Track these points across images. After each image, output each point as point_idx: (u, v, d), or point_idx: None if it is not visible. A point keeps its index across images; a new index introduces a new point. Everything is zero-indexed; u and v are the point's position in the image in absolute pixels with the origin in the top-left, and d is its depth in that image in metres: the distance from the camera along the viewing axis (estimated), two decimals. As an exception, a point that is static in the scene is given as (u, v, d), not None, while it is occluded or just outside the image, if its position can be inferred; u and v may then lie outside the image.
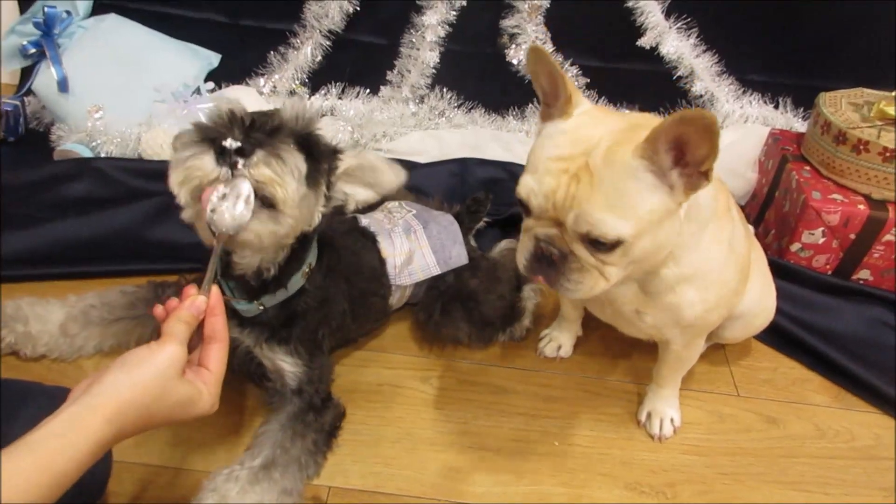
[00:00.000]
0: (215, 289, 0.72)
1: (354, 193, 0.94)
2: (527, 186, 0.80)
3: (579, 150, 0.76)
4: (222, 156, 0.76)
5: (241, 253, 0.89)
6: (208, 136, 0.78)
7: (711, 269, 0.92)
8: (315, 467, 0.95)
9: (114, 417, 0.60)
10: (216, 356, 0.70)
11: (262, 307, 0.95)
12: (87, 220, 1.41)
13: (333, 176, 0.90)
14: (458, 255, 1.22)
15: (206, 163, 0.77)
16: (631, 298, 0.95)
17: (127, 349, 0.93)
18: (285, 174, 0.78)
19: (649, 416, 1.16)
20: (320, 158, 0.86)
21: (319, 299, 1.00)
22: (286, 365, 0.98)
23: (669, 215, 0.79)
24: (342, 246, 1.09)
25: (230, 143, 0.75)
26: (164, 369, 0.64)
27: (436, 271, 1.21)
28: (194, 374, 0.68)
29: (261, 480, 0.88)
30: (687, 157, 0.74)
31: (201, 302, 0.70)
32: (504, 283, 1.28)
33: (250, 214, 0.76)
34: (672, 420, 1.15)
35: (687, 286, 0.91)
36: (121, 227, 1.41)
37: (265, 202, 0.79)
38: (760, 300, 1.14)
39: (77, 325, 1.12)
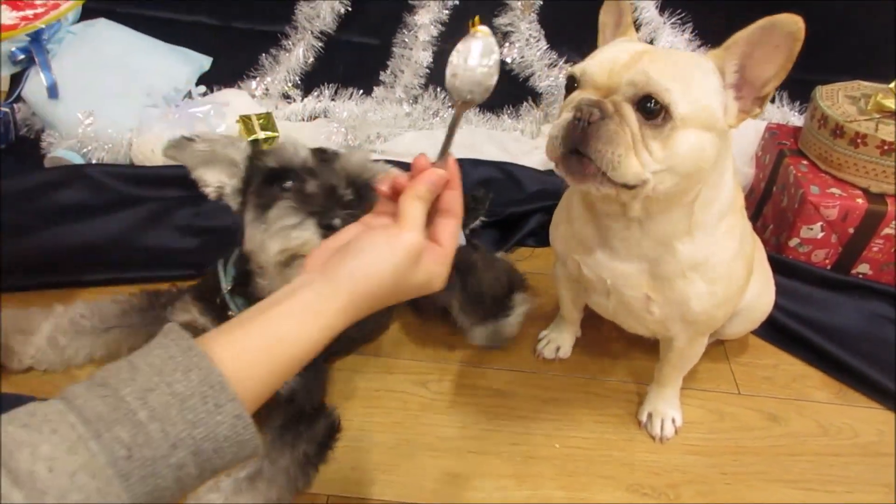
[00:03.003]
0: (452, 159, 0.64)
1: None
2: (582, 63, 0.80)
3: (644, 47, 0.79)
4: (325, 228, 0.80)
5: (266, 278, 0.91)
6: (309, 209, 0.82)
7: (722, 262, 0.91)
8: (305, 479, 0.94)
9: (347, 308, 0.58)
10: (449, 231, 0.64)
11: None
12: (78, 228, 1.40)
13: None
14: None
15: (311, 235, 0.81)
16: (641, 282, 0.93)
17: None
18: None
19: (650, 416, 1.15)
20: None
21: None
22: None
23: (716, 132, 0.78)
24: None
25: (337, 223, 0.79)
26: (401, 260, 0.59)
27: None
28: (428, 254, 0.61)
29: (244, 491, 0.87)
30: (748, 75, 0.77)
31: (440, 174, 0.62)
32: (501, 271, 1.28)
33: (493, 74, 0.68)
34: (673, 420, 1.14)
35: (697, 275, 0.90)
36: (113, 235, 1.40)
37: None
38: (760, 295, 1.13)
39: (66, 336, 1.10)
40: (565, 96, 0.82)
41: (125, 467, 0.45)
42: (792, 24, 0.71)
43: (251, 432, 0.51)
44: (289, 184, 0.86)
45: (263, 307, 0.56)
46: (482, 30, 0.66)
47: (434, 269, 0.62)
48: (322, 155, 0.91)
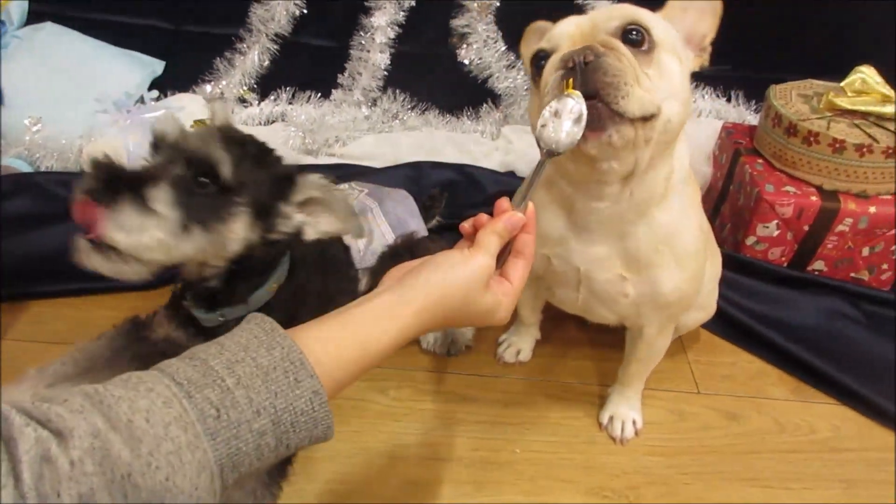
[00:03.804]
0: (531, 205, 0.70)
1: (320, 225, 0.87)
2: (545, 37, 0.81)
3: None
4: None
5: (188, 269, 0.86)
6: None
7: (688, 230, 0.93)
8: (272, 498, 0.91)
9: (421, 313, 0.62)
10: (520, 271, 0.70)
11: (222, 318, 0.91)
12: (28, 238, 1.36)
13: (285, 204, 0.85)
14: (418, 228, 1.20)
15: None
16: (615, 263, 0.93)
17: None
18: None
19: (611, 419, 1.14)
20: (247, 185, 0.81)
21: (286, 316, 0.96)
22: None
23: (683, 65, 0.82)
24: (310, 254, 1.05)
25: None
26: (473, 278, 0.65)
27: None
28: (497, 285, 0.68)
29: None
30: (688, 32, 0.84)
31: (518, 218, 0.68)
32: None
33: (581, 133, 0.71)
34: (634, 422, 1.14)
35: (667, 248, 0.91)
36: (64, 244, 1.35)
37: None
38: (713, 278, 1.15)
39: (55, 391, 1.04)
40: (537, 77, 0.80)
41: (213, 426, 0.49)
42: None
43: (326, 410, 0.54)
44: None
45: (346, 308, 0.62)
46: (575, 93, 0.71)
47: (501, 300, 0.68)
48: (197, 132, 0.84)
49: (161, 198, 0.75)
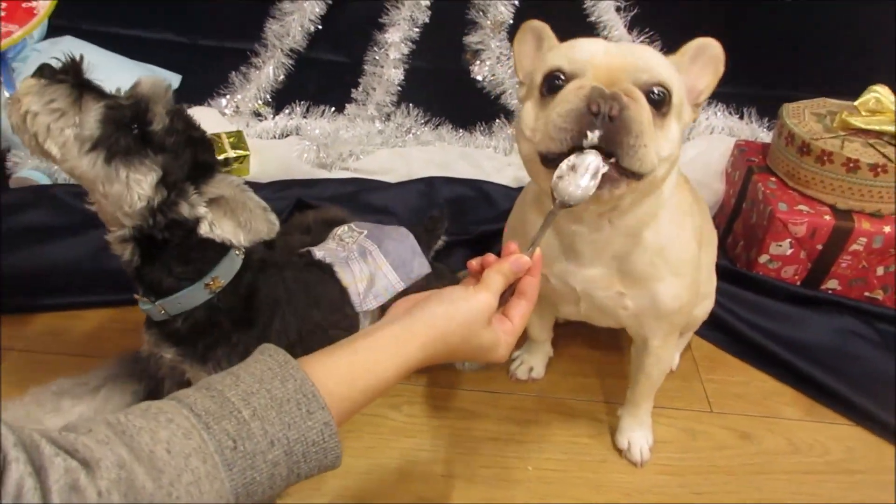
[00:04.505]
0: (539, 251, 0.72)
1: (220, 226, 0.87)
2: (561, 55, 0.79)
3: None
4: None
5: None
6: None
7: (680, 240, 0.93)
8: None
9: (426, 345, 0.65)
10: (521, 312, 0.72)
11: (163, 311, 0.91)
12: (45, 250, 1.38)
13: (194, 189, 0.85)
14: (420, 266, 1.20)
15: None
16: (612, 282, 0.93)
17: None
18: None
19: (629, 444, 1.13)
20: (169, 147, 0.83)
21: (238, 321, 0.95)
22: None
23: (680, 128, 0.80)
24: (297, 280, 1.05)
25: None
26: (476, 314, 0.67)
27: (400, 287, 1.18)
28: (498, 323, 0.71)
29: None
30: (689, 84, 0.83)
31: (525, 261, 0.71)
32: None
33: (595, 188, 0.73)
34: (647, 441, 1.14)
35: (661, 261, 0.91)
36: (78, 256, 1.38)
37: None
38: (708, 266, 1.14)
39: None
40: (545, 89, 0.79)
41: (230, 457, 0.51)
42: (715, 47, 0.82)
43: (335, 441, 0.57)
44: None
45: (354, 338, 0.65)
46: (593, 151, 0.72)
47: (501, 338, 0.70)
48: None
49: (92, 108, 0.79)
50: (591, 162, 0.71)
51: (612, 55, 0.77)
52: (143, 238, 0.86)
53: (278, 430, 0.54)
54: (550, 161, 0.75)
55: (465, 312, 0.67)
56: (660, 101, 0.75)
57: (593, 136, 0.71)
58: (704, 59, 0.82)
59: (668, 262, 0.92)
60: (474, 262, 0.73)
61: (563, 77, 0.77)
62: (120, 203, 0.82)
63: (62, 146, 0.79)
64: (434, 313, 0.67)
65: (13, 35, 1.46)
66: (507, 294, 0.72)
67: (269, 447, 0.53)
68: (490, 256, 0.72)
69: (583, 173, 0.71)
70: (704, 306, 1.19)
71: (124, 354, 1.10)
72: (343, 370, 0.61)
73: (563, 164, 0.72)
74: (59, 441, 0.45)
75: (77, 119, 0.79)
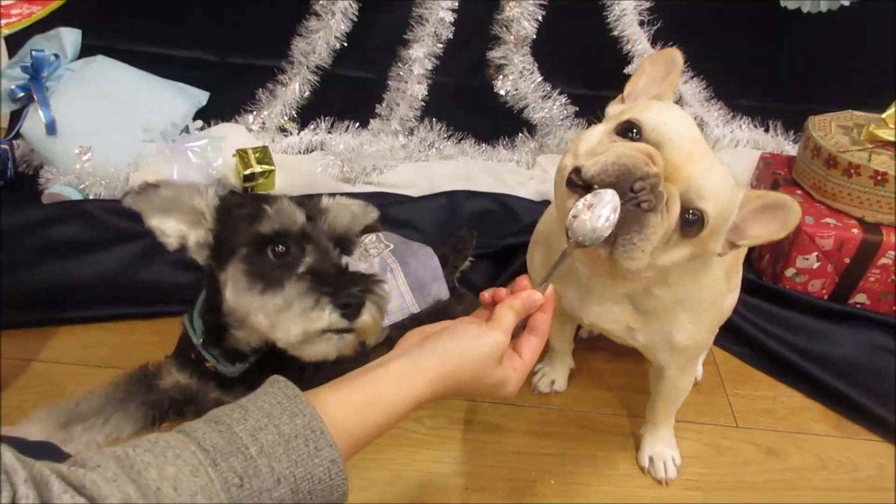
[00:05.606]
0: (551, 288, 0.73)
1: None
2: (647, 115, 0.76)
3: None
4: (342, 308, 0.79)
5: (243, 332, 0.91)
6: (321, 289, 0.80)
7: (705, 298, 0.91)
8: None
9: (435, 381, 0.65)
10: (532, 348, 0.72)
11: (247, 365, 0.95)
12: (76, 264, 1.40)
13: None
14: (438, 290, 1.20)
15: (331, 318, 0.79)
16: (622, 318, 0.93)
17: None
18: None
19: (651, 461, 1.12)
20: None
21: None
22: None
23: (700, 250, 0.78)
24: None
25: (352, 302, 0.80)
26: (487, 353, 0.67)
27: (414, 309, 1.19)
28: (508, 359, 0.71)
29: None
30: (741, 224, 0.78)
31: (536, 298, 0.71)
32: None
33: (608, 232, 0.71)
34: (673, 459, 1.12)
35: (680, 308, 0.90)
36: (109, 270, 1.40)
37: None
38: (734, 273, 1.14)
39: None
40: (620, 129, 0.77)
41: (237, 495, 0.51)
42: (794, 213, 0.75)
43: (342, 478, 0.57)
44: (281, 248, 0.83)
45: (363, 371, 0.64)
46: (611, 191, 0.71)
47: (511, 375, 0.70)
48: (308, 210, 0.87)
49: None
50: (609, 202, 0.70)
51: (693, 159, 0.73)
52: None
53: (285, 467, 0.54)
54: (575, 186, 0.74)
55: (477, 352, 0.67)
56: (689, 224, 0.73)
57: (614, 208, 0.70)
58: (775, 215, 0.77)
59: (688, 309, 0.90)
60: (486, 294, 0.73)
61: (636, 130, 0.76)
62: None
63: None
64: (446, 349, 0.67)
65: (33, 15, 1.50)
66: (519, 328, 0.72)
67: (275, 485, 0.53)
68: (501, 291, 0.72)
69: (598, 214, 0.70)
70: (731, 298, 1.16)
71: (124, 380, 1.10)
72: (352, 404, 0.61)
73: (580, 203, 0.71)
74: (68, 477, 0.46)
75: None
